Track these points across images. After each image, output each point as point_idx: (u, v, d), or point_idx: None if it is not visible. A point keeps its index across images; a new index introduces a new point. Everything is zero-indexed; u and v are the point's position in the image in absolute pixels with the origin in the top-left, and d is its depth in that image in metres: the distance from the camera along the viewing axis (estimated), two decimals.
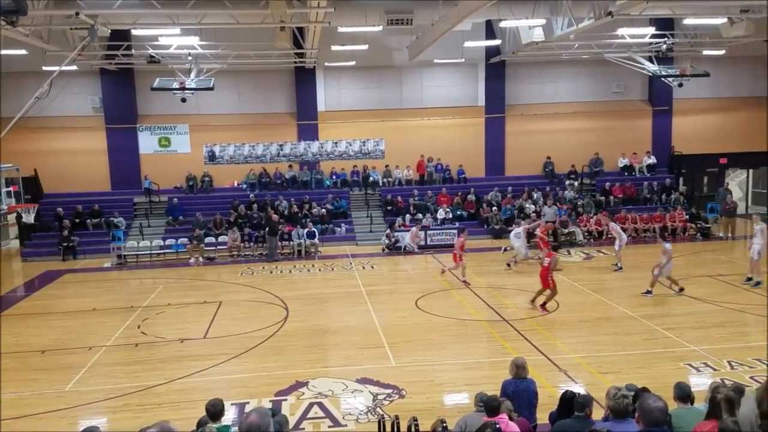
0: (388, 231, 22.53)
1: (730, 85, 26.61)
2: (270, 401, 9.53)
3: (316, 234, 22.30)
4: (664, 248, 14.98)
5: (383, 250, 22.09)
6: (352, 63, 24.25)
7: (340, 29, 17.66)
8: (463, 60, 24.43)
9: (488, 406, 6.22)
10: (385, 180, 26.09)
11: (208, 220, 22.88)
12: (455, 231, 20.68)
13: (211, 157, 24.44)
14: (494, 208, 24.25)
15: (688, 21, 19.31)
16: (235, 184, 25.77)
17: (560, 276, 17.43)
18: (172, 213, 23.82)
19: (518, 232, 18.91)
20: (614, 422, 5.06)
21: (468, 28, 19.92)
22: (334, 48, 21.34)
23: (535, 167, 26.61)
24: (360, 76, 26.01)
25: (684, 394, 5.85)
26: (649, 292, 14.97)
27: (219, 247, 22.09)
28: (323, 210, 24.16)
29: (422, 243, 22.24)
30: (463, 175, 26.35)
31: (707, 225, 23.22)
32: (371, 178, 25.86)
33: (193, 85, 20.24)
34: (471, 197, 25.01)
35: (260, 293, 16.66)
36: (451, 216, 24.01)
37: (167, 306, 15.57)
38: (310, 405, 9.41)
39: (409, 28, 18.23)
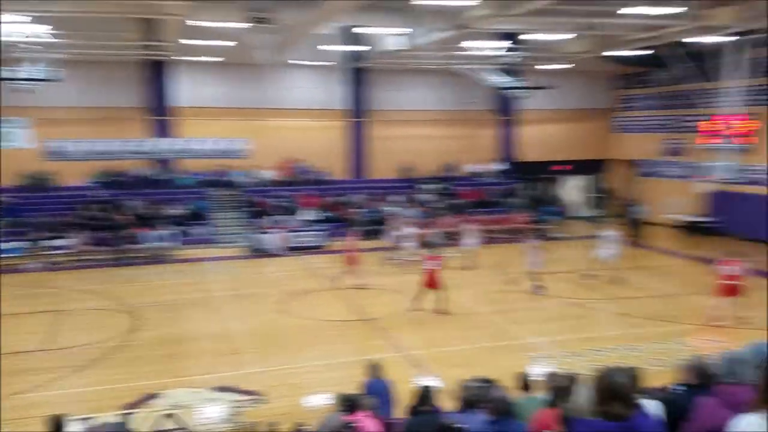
0: (252, 233, 22.08)
1: (569, 97, 28.95)
2: (118, 415, 9.00)
3: (173, 236, 21.32)
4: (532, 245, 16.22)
5: (246, 252, 21.61)
6: (212, 59, 23.50)
7: (199, 24, 17.06)
8: (326, 63, 24.57)
9: (347, 405, 6.32)
10: (248, 180, 25.54)
11: (50, 221, 21.09)
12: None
13: (55, 154, 22.57)
14: (358, 210, 24.61)
15: (531, 36, 20.79)
16: (83, 183, 23.96)
17: (416, 276, 18.06)
18: (8, 214, 21.67)
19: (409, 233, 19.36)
20: (464, 414, 5.33)
21: (331, 32, 20.08)
22: (192, 42, 20.57)
23: (395, 171, 27.34)
24: (220, 73, 25.26)
25: (525, 384, 6.31)
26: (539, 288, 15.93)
27: (62, 251, 20.45)
28: (181, 211, 23.17)
29: (287, 245, 22.04)
30: (327, 177, 26.47)
31: (546, 227, 25.12)
32: (233, 178, 25.19)
33: (35, 76, 18.58)
34: (336, 199, 25.19)
35: (108, 300, 15.65)
36: (316, 217, 24.02)
37: None
38: (163, 417, 9.00)
39: (271, 27, 18.02)
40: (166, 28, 17.84)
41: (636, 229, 22.77)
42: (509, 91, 25.05)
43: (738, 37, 17.10)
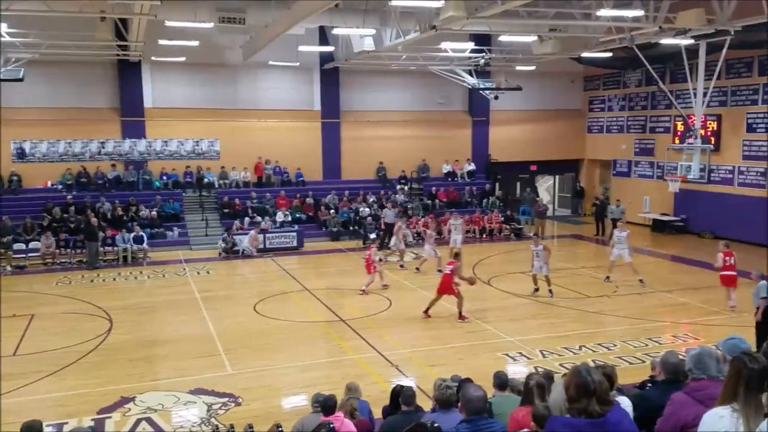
0: (224, 234, 21.92)
1: (540, 99, 29.31)
2: (92, 420, 8.88)
3: (145, 238, 21.06)
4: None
5: (219, 254, 21.44)
6: (183, 59, 23.25)
7: (168, 23, 16.89)
8: (298, 64, 24.48)
9: (324, 405, 6.34)
10: (221, 182, 25.32)
11: (17, 224, 20.67)
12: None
13: (20, 155, 22.09)
14: (332, 211, 24.60)
15: (503, 38, 21.02)
16: (49, 185, 23.51)
17: (391, 275, 18.18)
18: None
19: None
20: (440, 413, 5.38)
21: (302, 33, 20.02)
22: (162, 42, 20.33)
23: (369, 172, 27.37)
24: (192, 73, 24.97)
25: (501, 383, 6.40)
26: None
27: (30, 255, 20.02)
28: (153, 213, 22.89)
29: (261, 246, 21.92)
30: (301, 178, 26.37)
31: (520, 226, 25.46)
32: (206, 180, 24.95)
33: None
34: (309, 200, 25.12)
35: (80, 304, 15.38)
36: (290, 219, 23.94)
37: None
38: (138, 421, 8.91)
39: (242, 27, 17.93)
40: (137, 27, 17.61)
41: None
42: (482, 91, 25.27)
43: (701, 40, 17.47)
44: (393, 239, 19.91)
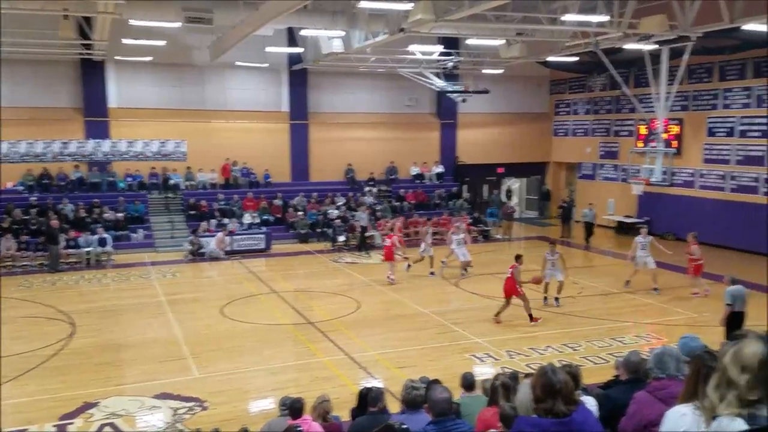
0: (191, 237, 21.63)
1: (508, 102, 29.62)
2: (53, 426, 8.68)
3: (109, 241, 20.67)
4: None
5: (186, 256, 21.15)
6: (149, 59, 22.90)
7: (134, 22, 16.63)
8: (267, 65, 24.31)
9: (292, 408, 6.31)
10: (187, 183, 24.98)
11: None
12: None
13: None
14: (300, 212, 24.48)
15: (471, 41, 21.21)
16: (10, 186, 22.89)
17: (360, 277, 18.19)
18: None
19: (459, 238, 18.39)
20: (408, 414, 5.39)
21: (270, 34, 19.90)
22: (127, 42, 19.99)
23: (338, 174, 27.31)
24: (158, 73, 24.60)
25: (469, 383, 6.46)
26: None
27: None
28: (118, 215, 22.47)
29: (228, 248, 21.69)
30: (269, 180, 26.18)
31: (487, 228, 25.68)
32: (172, 181, 24.60)
33: None
34: (277, 202, 24.96)
35: (41, 308, 15.01)
36: (257, 220, 23.74)
37: None
38: (101, 427, 8.74)
39: (209, 27, 17.74)
40: (101, 26, 17.28)
41: (587, 231, 23.39)
42: (450, 94, 25.44)
43: (664, 46, 17.88)
44: (422, 245, 18.56)
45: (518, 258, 13.77)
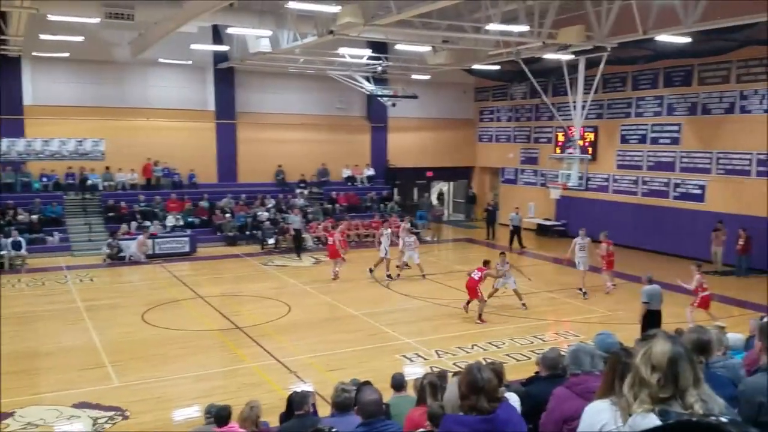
0: (109, 239, 20.83)
1: (436, 107, 30.16)
2: None
3: (23, 244, 19.63)
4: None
5: (104, 260, 20.36)
6: (67, 55, 21.93)
7: (51, 17, 15.91)
8: (191, 62, 23.76)
9: (217, 416, 6.24)
10: (106, 184, 24.03)
11: None
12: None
13: None
14: (228, 214, 24.04)
15: (399, 47, 21.52)
16: None
17: (291, 280, 18.08)
18: None
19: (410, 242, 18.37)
20: (338, 417, 5.44)
21: (194, 31, 19.48)
22: (44, 37, 19.09)
23: (267, 175, 27.00)
24: (76, 70, 23.58)
25: (398, 384, 6.58)
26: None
27: None
28: (33, 216, 21.35)
29: (150, 252, 21.03)
30: (194, 181, 25.55)
31: (417, 230, 26.01)
32: (89, 182, 23.60)
33: None
34: (203, 203, 24.41)
35: None
36: (181, 223, 23.13)
37: None
38: None
39: (130, 23, 17.22)
40: (17, 21, 16.43)
41: (514, 234, 23.82)
42: (380, 98, 25.67)
43: (580, 56, 18.71)
44: (381, 248, 18.33)
45: (487, 263, 14.37)
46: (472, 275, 14.22)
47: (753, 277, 18.36)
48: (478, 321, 13.96)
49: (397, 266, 18.59)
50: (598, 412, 2.81)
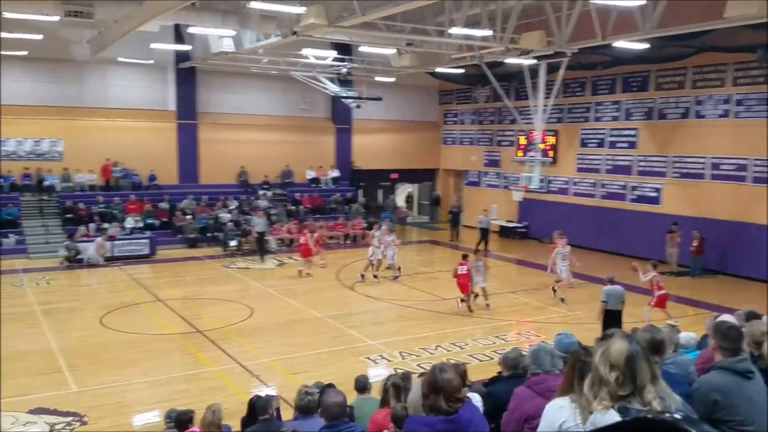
0: (67, 242, 20.31)
1: (400, 110, 30.28)
2: None
3: None
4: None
5: (62, 263, 19.84)
6: (24, 53, 21.31)
7: (8, 15, 15.45)
8: (152, 62, 23.35)
9: (177, 421, 6.16)
10: (64, 185, 23.43)
11: None
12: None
13: None
14: (189, 216, 23.68)
15: (363, 49, 21.55)
16: None
17: (254, 283, 17.94)
18: None
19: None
20: (301, 420, 5.43)
21: (156, 30, 19.15)
22: (1, 35, 18.49)
23: (230, 176, 26.70)
24: (33, 68, 22.89)
25: (362, 386, 6.59)
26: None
27: None
28: None
29: (108, 254, 20.59)
30: (155, 182, 25.10)
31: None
32: (47, 183, 22.97)
33: None
34: (164, 205, 24.00)
35: None
36: (141, 225, 22.69)
37: None
38: None
39: (90, 22, 16.86)
40: None
41: (482, 237, 23.95)
42: (344, 100, 25.66)
43: (542, 61, 19.02)
44: (370, 249, 18.41)
45: (466, 257, 15.15)
46: (459, 271, 14.77)
47: (707, 277, 18.95)
48: (470, 312, 14.76)
49: (389, 268, 18.73)
50: (559, 410, 2.88)
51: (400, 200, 31.89)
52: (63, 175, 23.43)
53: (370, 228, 25.54)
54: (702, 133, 20.12)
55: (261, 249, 21.53)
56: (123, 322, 13.93)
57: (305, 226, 20.97)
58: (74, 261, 19.95)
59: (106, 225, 21.88)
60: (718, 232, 19.31)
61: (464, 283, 14.74)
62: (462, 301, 14.94)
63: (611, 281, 12.22)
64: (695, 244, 18.96)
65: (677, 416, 1.95)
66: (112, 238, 21.06)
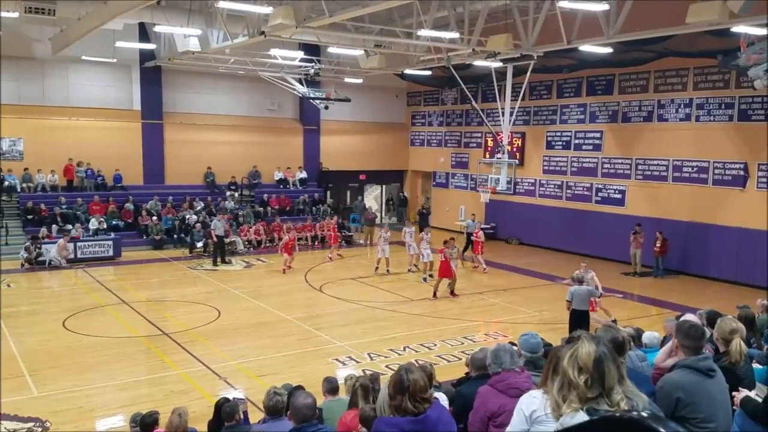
0: (28, 243, 19.80)
1: (368, 111, 30.28)
2: None
3: None
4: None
5: (22, 265, 19.34)
6: None
7: None
8: (116, 60, 22.89)
9: (142, 423, 6.07)
10: (24, 185, 22.82)
11: None
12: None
13: None
14: (154, 217, 23.30)
15: (332, 50, 21.49)
16: None
17: (221, 284, 17.73)
18: None
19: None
20: (270, 422, 5.38)
21: (120, 28, 18.81)
22: None
23: (196, 177, 26.36)
24: None
25: (332, 387, 6.56)
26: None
27: None
28: None
29: (71, 256, 20.13)
30: (120, 183, 24.63)
31: (350, 233, 26.10)
32: (6, 183, 22.33)
33: None
34: (129, 206, 23.56)
35: None
36: (105, 226, 22.23)
37: None
38: None
39: (51, 18, 16.48)
40: None
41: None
42: (313, 101, 25.56)
43: (509, 63, 19.24)
44: (378, 248, 19.64)
45: (447, 242, 16.51)
46: (441, 258, 16.19)
47: (669, 277, 19.37)
48: (452, 295, 16.38)
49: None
50: (532, 400, 3.00)
51: (368, 201, 31.85)
52: (24, 176, 22.84)
53: (339, 230, 25.60)
54: (664, 136, 20.58)
55: (220, 253, 20.87)
56: (86, 325, 13.64)
57: (290, 228, 21.87)
58: (35, 263, 19.47)
59: (68, 226, 21.39)
60: (680, 233, 19.77)
61: (446, 267, 16.15)
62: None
63: (579, 281, 12.36)
64: (658, 244, 19.37)
65: (644, 414, 1.98)
66: (75, 240, 20.60)
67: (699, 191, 19.67)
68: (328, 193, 29.41)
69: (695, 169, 19.82)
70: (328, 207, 27.65)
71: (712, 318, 6.15)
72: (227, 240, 21.87)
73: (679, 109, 20.18)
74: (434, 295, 16.29)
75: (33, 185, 22.99)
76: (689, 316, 5.63)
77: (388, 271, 19.45)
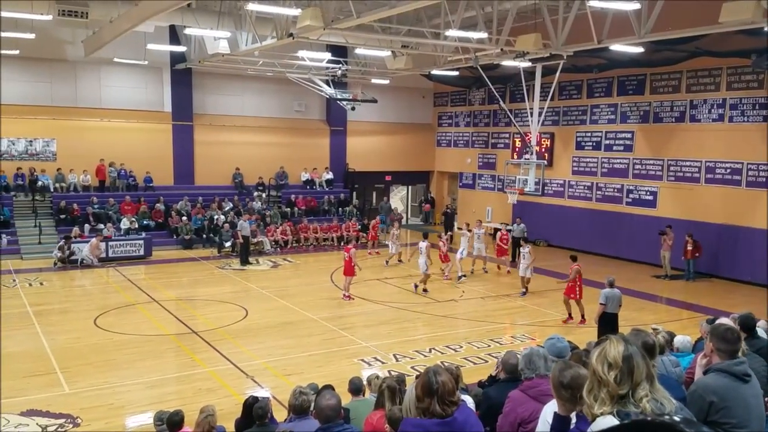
0: (61, 242, 20.22)
1: (395, 112, 30.29)
2: None
3: None
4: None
5: (55, 264, 19.74)
6: (16, 52, 21.21)
7: (4, 14, 15.39)
8: (147, 62, 23.26)
9: (169, 422, 6.13)
10: (57, 185, 23.33)
11: None
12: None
13: None
14: (184, 217, 23.61)
15: (359, 51, 21.53)
16: None
17: (248, 284, 17.88)
18: None
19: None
20: (296, 421, 5.40)
21: (151, 30, 19.12)
22: None
23: (225, 178, 26.65)
24: (26, 68, 22.78)
25: (356, 388, 6.56)
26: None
27: None
28: None
29: (103, 255, 20.50)
30: (150, 183, 25.02)
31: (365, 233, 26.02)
32: (40, 183, 22.86)
33: None
34: (159, 206, 23.92)
35: None
36: (136, 226, 22.60)
37: None
38: None
39: (84, 21, 16.80)
40: None
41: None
42: (339, 102, 25.64)
43: (537, 63, 19.05)
44: (390, 245, 20.98)
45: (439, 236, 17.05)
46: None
47: (700, 280, 18.99)
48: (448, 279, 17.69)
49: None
50: (554, 407, 3.00)
51: (394, 202, 31.83)
52: (57, 176, 23.34)
53: (364, 230, 25.61)
54: (697, 137, 20.19)
55: (244, 254, 21.00)
56: (117, 323, 13.87)
57: (348, 241, 22.15)
58: (68, 262, 19.85)
59: (100, 226, 21.79)
60: (712, 235, 19.36)
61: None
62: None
63: (611, 284, 12.16)
64: (689, 247, 18.99)
65: (676, 418, 1.94)
66: (107, 239, 20.97)
67: (732, 193, 19.25)
68: (354, 193, 29.45)
69: (728, 170, 19.40)
70: (354, 207, 27.70)
71: (746, 322, 5.99)
72: (254, 240, 22.05)
73: (712, 110, 19.77)
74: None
75: (66, 185, 23.47)
76: (724, 320, 5.50)
77: (388, 262, 20.59)
